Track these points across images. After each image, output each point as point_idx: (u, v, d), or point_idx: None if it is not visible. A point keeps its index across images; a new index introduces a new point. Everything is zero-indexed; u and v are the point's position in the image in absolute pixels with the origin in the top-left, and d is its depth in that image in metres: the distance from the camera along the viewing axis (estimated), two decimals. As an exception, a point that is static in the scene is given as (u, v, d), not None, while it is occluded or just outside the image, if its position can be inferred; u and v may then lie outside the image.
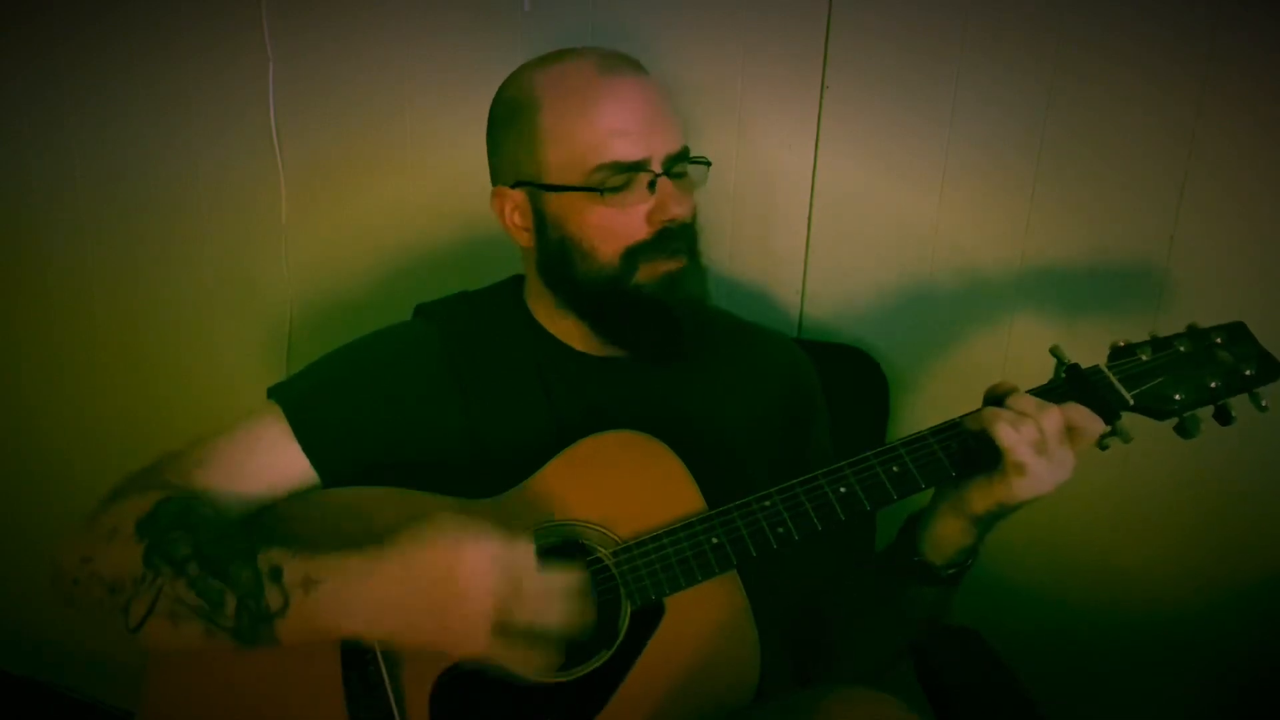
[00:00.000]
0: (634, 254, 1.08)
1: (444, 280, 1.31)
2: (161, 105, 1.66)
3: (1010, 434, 0.91)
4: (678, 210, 1.08)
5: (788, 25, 1.38)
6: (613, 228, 1.08)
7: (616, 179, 1.07)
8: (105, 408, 1.86)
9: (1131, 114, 1.30)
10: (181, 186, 1.69)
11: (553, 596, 0.91)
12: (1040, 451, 0.92)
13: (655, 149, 1.08)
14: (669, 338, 1.11)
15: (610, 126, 1.07)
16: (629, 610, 1.00)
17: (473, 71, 1.49)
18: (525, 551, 0.91)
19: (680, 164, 1.11)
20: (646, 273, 1.08)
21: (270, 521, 1.05)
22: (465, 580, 0.89)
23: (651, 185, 1.08)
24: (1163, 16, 1.26)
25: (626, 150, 1.07)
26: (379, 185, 1.61)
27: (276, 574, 0.93)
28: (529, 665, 0.91)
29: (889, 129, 1.39)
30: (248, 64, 1.59)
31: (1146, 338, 1.02)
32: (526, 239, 1.15)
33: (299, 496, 1.08)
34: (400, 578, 0.91)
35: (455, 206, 1.55)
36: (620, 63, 1.11)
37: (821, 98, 1.40)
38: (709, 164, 1.15)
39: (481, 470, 1.09)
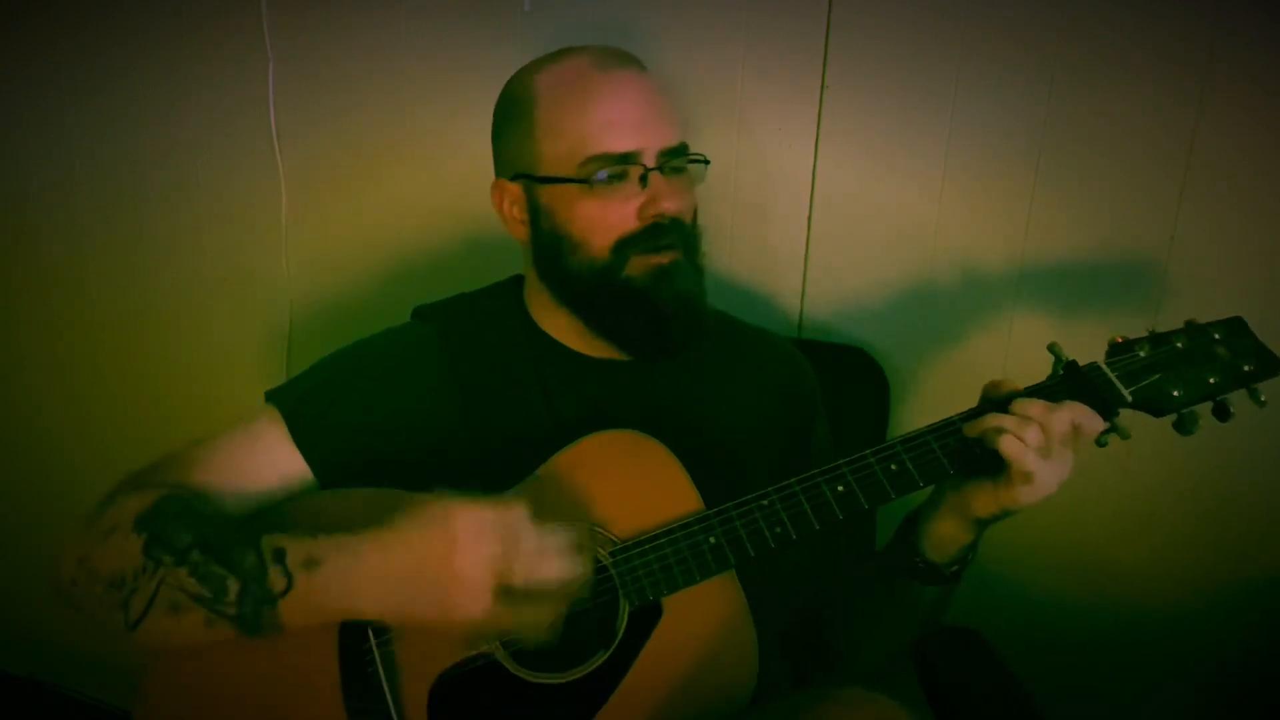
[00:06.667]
0: (624, 246, 1.08)
1: (443, 281, 1.31)
2: (161, 105, 1.66)
3: (1015, 445, 0.91)
4: (669, 205, 1.07)
5: (788, 25, 1.38)
6: (603, 220, 1.08)
7: (608, 171, 1.07)
8: (105, 407, 1.86)
9: (1131, 114, 1.30)
10: (181, 186, 1.69)
11: (549, 552, 0.90)
12: (1045, 456, 0.92)
13: (647, 142, 1.08)
14: (658, 332, 1.10)
15: (602, 119, 1.07)
16: (627, 610, 0.99)
17: (473, 72, 1.50)
18: (518, 514, 0.91)
19: (676, 159, 1.10)
20: (636, 266, 1.08)
21: (268, 517, 1.05)
22: (463, 547, 0.88)
23: (644, 179, 1.08)
24: (1163, 16, 1.26)
25: (617, 142, 1.07)
26: (379, 185, 1.61)
27: (280, 555, 0.93)
28: (533, 625, 0.91)
29: (889, 129, 1.39)
30: (248, 64, 1.59)
31: (1145, 334, 1.01)
32: (522, 232, 1.16)
33: (295, 498, 1.08)
34: (401, 553, 0.91)
35: (455, 207, 1.55)
36: (617, 58, 1.12)
37: (821, 98, 1.40)
38: (707, 162, 1.15)
39: (480, 471, 1.08)
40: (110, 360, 1.83)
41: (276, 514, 1.06)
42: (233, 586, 0.93)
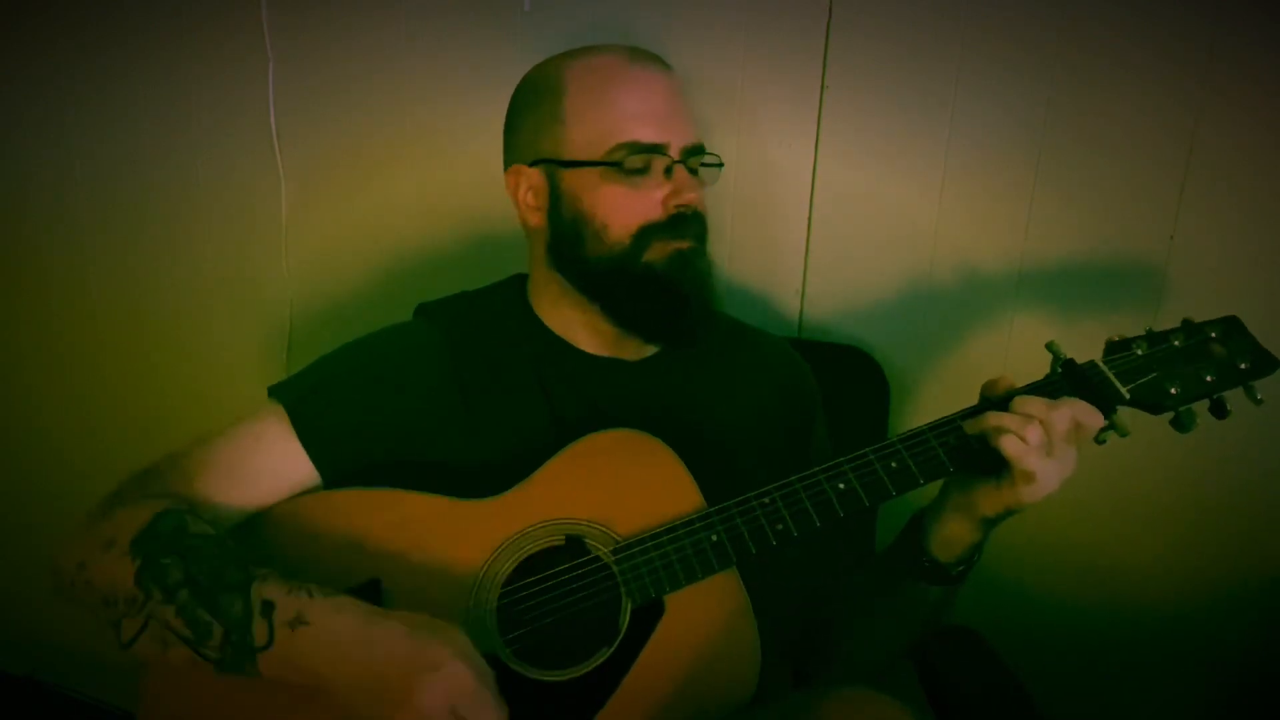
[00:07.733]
0: (646, 234, 1.10)
1: (444, 280, 1.31)
2: (161, 105, 1.66)
3: (1017, 445, 0.91)
4: (693, 196, 1.11)
5: (788, 25, 1.39)
6: (628, 206, 1.10)
7: (635, 159, 1.09)
8: (105, 407, 1.86)
9: (1131, 114, 1.30)
10: (181, 186, 1.69)
11: None
12: (1047, 454, 0.92)
13: (673, 137, 1.11)
14: (677, 316, 1.12)
15: (633, 109, 1.10)
16: (629, 608, 0.99)
17: (473, 71, 1.50)
18: (493, 711, 0.89)
19: (696, 157, 1.14)
20: (657, 251, 1.10)
21: (266, 535, 1.05)
22: (432, 687, 0.87)
23: (669, 171, 1.11)
24: (1163, 16, 1.26)
25: (647, 133, 1.09)
26: (379, 185, 1.61)
27: (268, 609, 0.92)
28: None
29: (889, 129, 1.39)
30: (248, 64, 1.59)
31: (1142, 333, 1.02)
32: (538, 219, 1.16)
33: (298, 498, 1.08)
34: (380, 653, 0.90)
35: (455, 206, 1.55)
36: (647, 56, 1.15)
37: (821, 98, 1.40)
38: (721, 165, 1.18)
39: (482, 469, 1.09)
40: (110, 360, 1.83)
41: (274, 528, 1.06)
42: (216, 633, 0.92)
